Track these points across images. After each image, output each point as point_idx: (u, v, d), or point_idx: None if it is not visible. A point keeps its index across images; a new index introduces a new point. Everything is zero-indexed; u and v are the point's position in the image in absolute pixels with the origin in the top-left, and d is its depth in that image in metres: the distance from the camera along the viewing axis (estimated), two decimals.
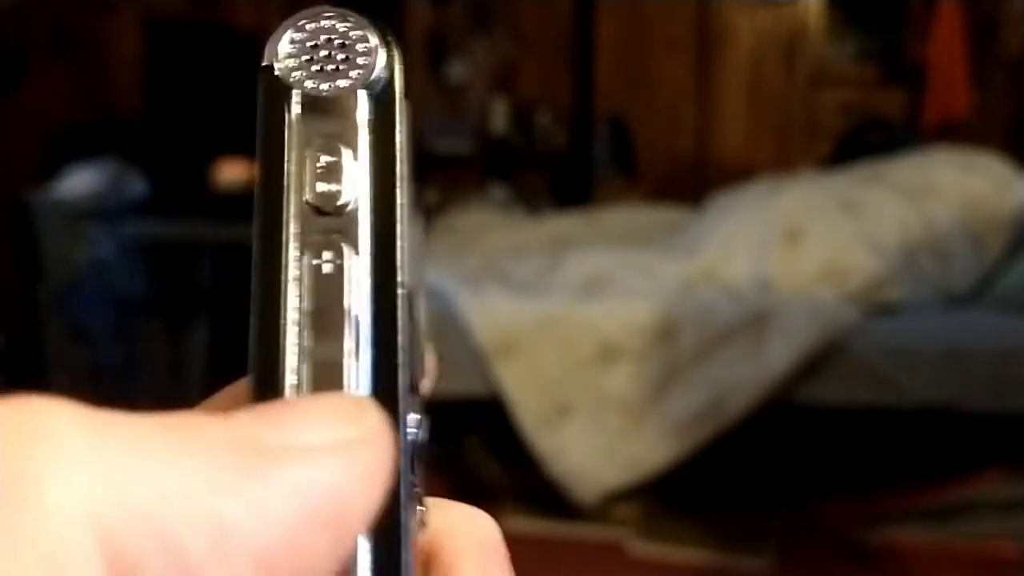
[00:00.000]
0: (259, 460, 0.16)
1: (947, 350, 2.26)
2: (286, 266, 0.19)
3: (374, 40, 0.21)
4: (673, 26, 4.05)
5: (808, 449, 2.42)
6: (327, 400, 0.18)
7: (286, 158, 0.20)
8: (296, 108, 0.20)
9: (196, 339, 3.03)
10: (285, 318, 0.19)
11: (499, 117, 4.13)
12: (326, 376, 0.19)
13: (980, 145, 3.16)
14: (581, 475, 2.29)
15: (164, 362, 3.10)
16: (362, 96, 0.20)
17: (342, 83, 0.20)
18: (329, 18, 0.21)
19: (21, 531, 0.14)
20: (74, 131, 3.66)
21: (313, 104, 0.20)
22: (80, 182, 3.23)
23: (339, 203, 0.20)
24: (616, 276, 2.60)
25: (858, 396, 2.27)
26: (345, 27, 0.21)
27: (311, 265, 0.19)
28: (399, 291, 0.20)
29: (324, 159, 0.20)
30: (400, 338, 0.19)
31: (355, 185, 0.20)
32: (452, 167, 3.97)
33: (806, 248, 2.59)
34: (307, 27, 0.21)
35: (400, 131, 0.20)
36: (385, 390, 0.19)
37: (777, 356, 2.25)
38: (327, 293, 0.19)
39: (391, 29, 0.21)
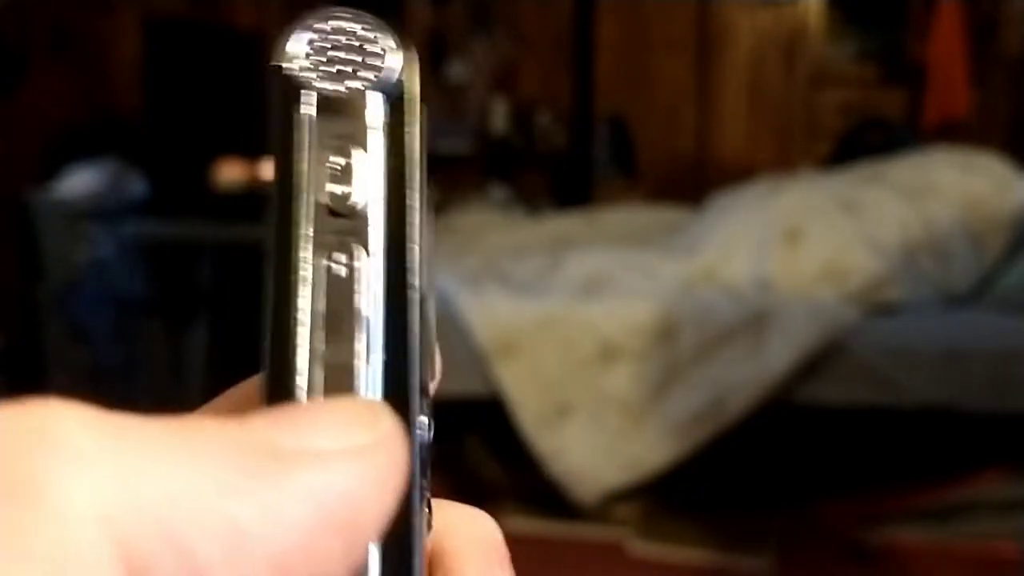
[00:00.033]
0: (273, 464, 0.16)
1: (947, 350, 2.26)
2: (299, 267, 0.19)
3: (388, 41, 0.20)
4: (673, 26, 4.05)
5: (808, 449, 2.42)
6: (341, 404, 0.18)
7: (299, 159, 0.20)
8: (309, 109, 0.20)
9: (196, 339, 3.03)
10: (297, 320, 0.19)
11: (499, 117, 4.13)
12: (338, 379, 0.19)
13: (980, 145, 3.16)
14: (581, 475, 2.29)
15: (164, 362, 3.10)
16: (376, 98, 0.20)
17: (356, 84, 0.20)
18: (344, 19, 0.21)
19: (33, 533, 0.14)
20: (74, 131, 3.66)
21: (327, 105, 0.20)
22: (80, 182, 3.23)
23: (352, 204, 0.20)
24: (616, 276, 2.60)
25: (858, 396, 2.27)
26: (359, 28, 0.21)
27: (323, 267, 0.19)
28: (411, 294, 0.20)
29: (337, 160, 0.20)
30: (412, 341, 0.19)
31: (368, 187, 0.20)
32: (452, 167, 3.97)
33: (806, 248, 2.59)
34: (321, 27, 0.21)
35: (414, 133, 0.20)
36: (397, 393, 0.19)
37: (777, 356, 2.25)
38: (340, 295, 0.19)
39: (404, 32, 0.21)
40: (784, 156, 3.96)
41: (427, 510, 0.20)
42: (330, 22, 0.21)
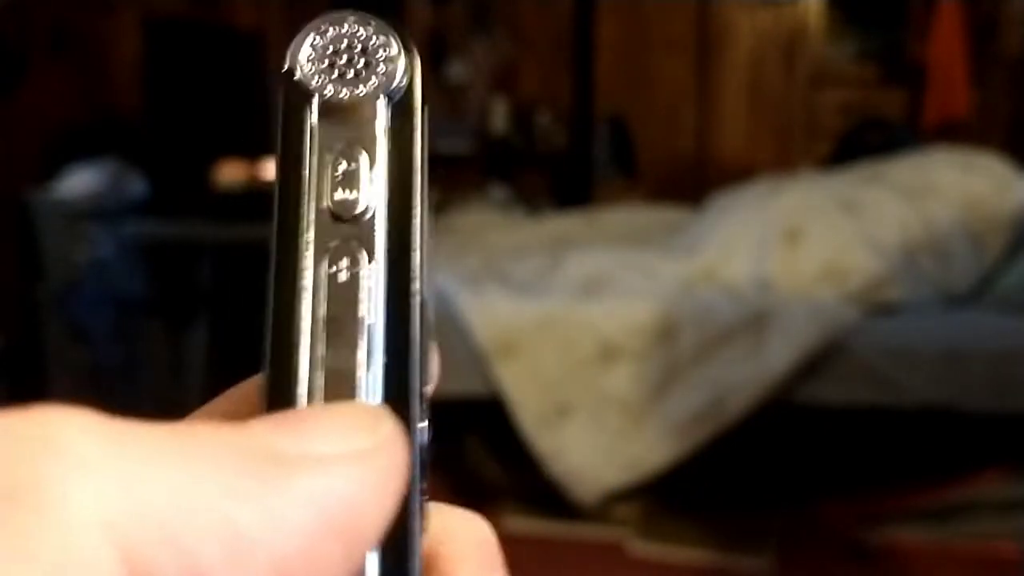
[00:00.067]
0: (275, 469, 0.16)
1: (947, 350, 2.26)
2: (302, 273, 0.19)
3: (395, 46, 0.20)
4: (673, 26, 4.05)
5: (808, 449, 2.42)
6: (342, 409, 0.18)
7: (304, 164, 0.20)
8: (316, 114, 0.20)
9: (196, 339, 3.03)
10: (299, 325, 0.19)
11: (499, 117, 4.13)
12: (339, 384, 0.19)
13: (980, 145, 3.16)
14: (581, 475, 2.29)
15: (164, 362, 3.10)
16: (381, 103, 0.20)
17: (362, 90, 0.20)
18: (350, 23, 0.21)
19: (37, 538, 0.14)
20: (74, 131, 3.66)
21: (332, 110, 0.20)
22: (80, 182, 3.23)
23: (356, 210, 0.20)
24: (616, 276, 2.60)
25: (858, 396, 2.27)
26: (366, 33, 0.21)
27: (327, 272, 0.19)
28: (414, 300, 0.20)
29: (342, 166, 0.20)
30: (413, 347, 0.19)
31: (372, 192, 0.20)
32: (452, 167, 3.97)
33: (806, 248, 2.59)
34: (328, 32, 0.21)
35: (418, 139, 0.20)
36: (398, 398, 0.19)
37: (777, 356, 2.25)
38: (342, 300, 0.19)
39: (411, 35, 0.21)
40: (784, 156, 3.96)
41: (424, 514, 0.20)
42: (335, 27, 0.21)
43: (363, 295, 0.19)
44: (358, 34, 0.21)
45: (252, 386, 0.21)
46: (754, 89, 4.04)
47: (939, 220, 2.62)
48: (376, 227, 0.20)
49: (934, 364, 2.24)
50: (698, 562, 2.13)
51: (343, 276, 0.19)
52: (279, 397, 0.19)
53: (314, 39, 0.21)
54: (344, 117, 0.20)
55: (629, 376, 2.34)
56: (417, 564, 0.18)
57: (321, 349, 0.19)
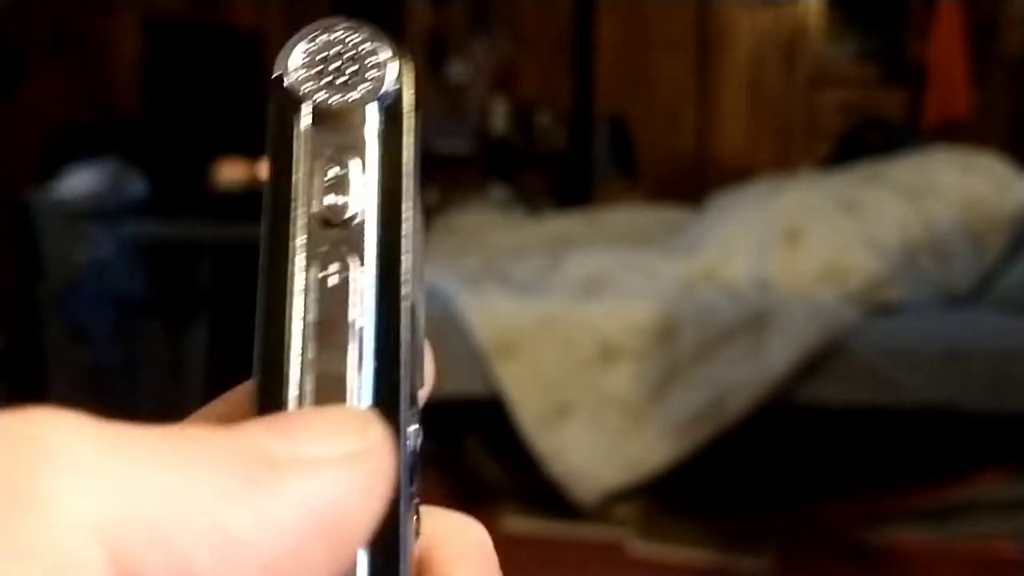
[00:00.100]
0: (264, 471, 0.16)
1: (947, 350, 2.26)
2: (292, 277, 0.20)
3: (386, 52, 0.21)
4: (673, 26, 4.05)
5: (808, 449, 2.42)
6: (331, 413, 0.18)
7: (295, 170, 0.20)
8: (306, 120, 0.20)
9: (196, 339, 3.03)
10: (290, 329, 0.19)
11: (499, 117, 4.13)
12: (329, 388, 0.19)
13: (980, 145, 3.16)
14: (581, 475, 2.29)
15: (164, 362, 3.10)
16: (372, 109, 0.20)
17: (352, 96, 0.20)
18: (341, 30, 0.21)
19: (29, 540, 0.14)
20: (74, 131, 3.66)
21: (323, 116, 0.20)
22: (80, 182, 3.23)
23: (346, 215, 0.20)
24: (616, 276, 2.60)
25: (858, 396, 2.27)
26: (357, 39, 0.21)
27: (317, 277, 0.20)
28: (404, 304, 0.20)
29: (333, 171, 0.20)
30: (403, 352, 0.20)
31: (363, 197, 0.20)
32: (452, 167, 3.97)
33: (806, 248, 2.59)
34: (319, 38, 0.21)
35: (409, 144, 0.20)
36: (387, 402, 0.19)
37: (777, 356, 2.25)
38: (332, 305, 0.19)
39: (403, 40, 0.21)
40: (784, 156, 3.96)
41: (415, 516, 0.20)
42: (328, 33, 0.21)
43: (353, 299, 0.19)
44: (349, 40, 0.21)
45: (247, 390, 0.21)
46: (754, 89, 4.04)
47: (939, 220, 2.62)
48: (366, 232, 0.20)
49: (934, 364, 2.24)
50: (698, 562, 2.13)
51: (333, 280, 0.20)
52: (270, 401, 0.19)
53: (305, 45, 0.21)
54: (335, 123, 0.20)
55: (629, 376, 2.34)
56: (406, 566, 0.19)
57: (311, 353, 0.19)
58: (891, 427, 2.32)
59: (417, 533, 0.20)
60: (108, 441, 0.15)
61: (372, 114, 0.20)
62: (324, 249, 0.20)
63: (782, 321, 2.31)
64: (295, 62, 0.21)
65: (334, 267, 0.20)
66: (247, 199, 3.03)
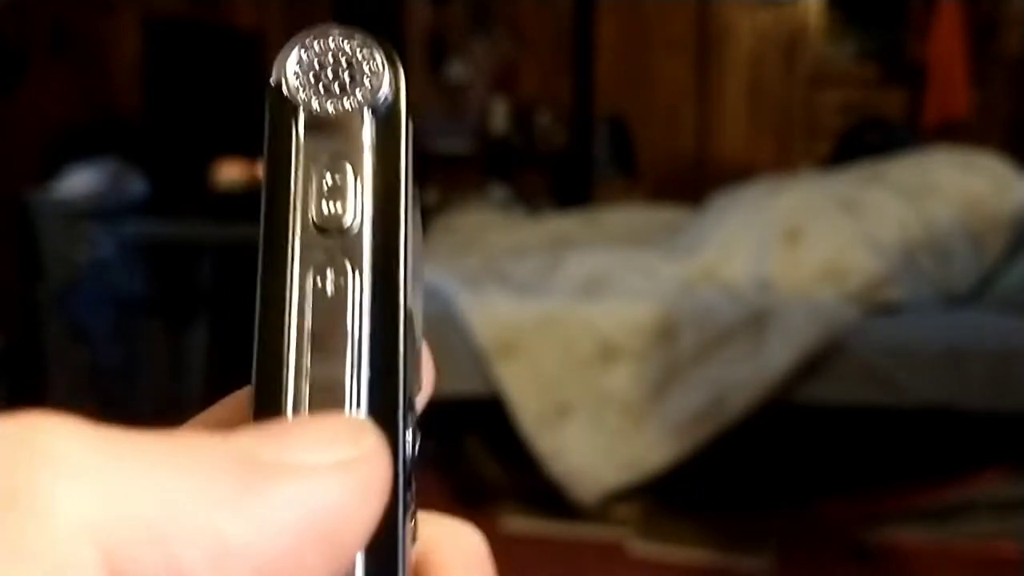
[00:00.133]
0: (259, 476, 0.16)
1: (947, 350, 2.26)
2: (289, 285, 0.20)
3: (380, 59, 0.21)
4: (673, 26, 4.06)
5: (808, 449, 2.42)
6: (327, 420, 0.18)
7: (291, 178, 0.20)
8: (302, 127, 0.20)
9: (196, 339, 3.03)
10: (287, 337, 0.19)
11: (499, 117, 4.13)
12: (325, 395, 0.19)
13: (980, 145, 3.16)
14: (581, 475, 2.29)
15: (164, 362, 3.10)
16: (367, 116, 0.20)
17: (347, 103, 0.20)
18: (336, 37, 0.21)
19: (27, 543, 0.14)
20: (74, 131, 3.66)
21: (318, 124, 0.20)
22: (80, 182, 3.23)
23: (343, 223, 0.20)
24: (616, 276, 2.60)
25: (858, 396, 2.27)
26: (351, 46, 0.21)
27: (314, 285, 0.20)
28: (400, 312, 0.20)
29: (329, 179, 0.20)
30: (399, 359, 0.20)
31: (359, 205, 0.20)
32: (452, 167, 3.97)
33: (806, 248, 2.59)
34: (314, 46, 0.21)
35: (404, 151, 0.20)
36: (383, 410, 0.19)
37: (777, 356, 2.25)
38: (329, 313, 0.19)
39: (396, 47, 0.21)
40: (784, 156, 3.97)
41: (412, 523, 0.20)
42: (321, 41, 0.21)
43: (349, 307, 0.20)
44: (343, 48, 0.21)
45: (247, 394, 0.21)
46: (754, 89, 4.05)
47: (939, 220, 2.62)
48: (362, 240, 0.20)
49: (934, 364, 2.24)
50: (698, 562, 2.14)
51: (329, 289, 0.20)
52: (266, 408, 0.19)
53: (299, 53, 0.21)
54: (330, 131, 0.20)
55: (629, 376, 2.34)
56: (403, 574, 0.19)
57: (307, 361, 0.19)
58: (891, 427, 2.32)
59: (414, 538, 0.20)
60: (105, 446, 0.16)
61: (367, 122, 0.20)
62: (321, 257, 0.20)
63: (782, 321, 2.31)
64: (290, 69, 0.21)
65: (330, 275, 0.20)
66: (247, 199, 3.03)
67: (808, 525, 2.32)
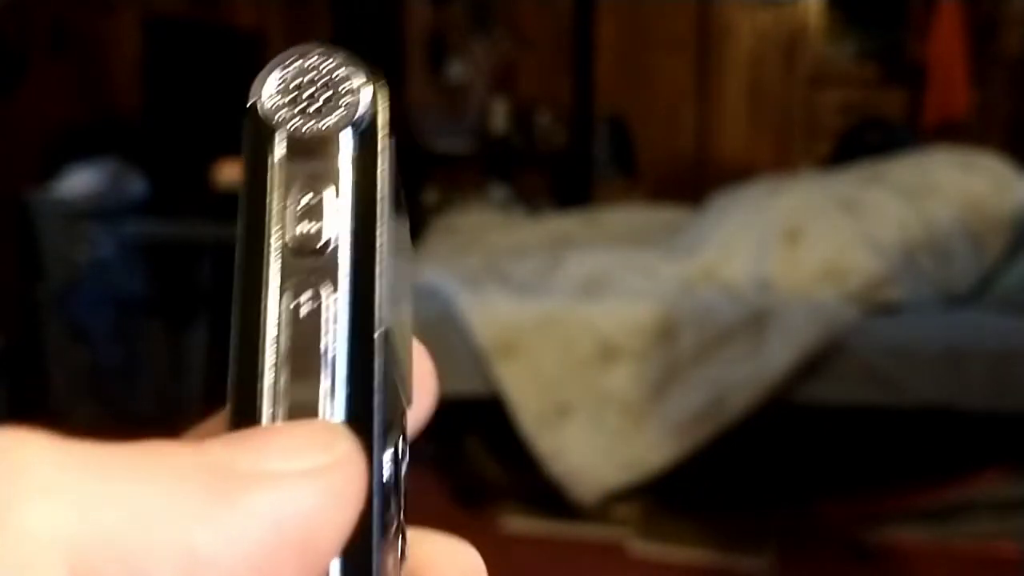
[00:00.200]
0: (229, 486, 0.16)
1: (947, 350, 2.26)
2: (265, 307, 0.20)
3: (359, 78, 0.20)
4: (673, 26, 4.05)
5: (808, 449, 2.42)
6: (299, 427, 0.18)
7: (268, 198, 0.20)
8: (280, 148, 0.20)
9: (196, 339, 3.03)
10: (263, 359, 0.19)
11: (499, 117, 4.13)
12: (302, 416, 0.19)
13: (980, 145, 3.16)
14: (581, 475, 2.29)
15: (164, 362, 3.10)
16: (346, 135, 0.20)
17: (326, 123, 0.20)
18: (316, 56, 0.21)
19: None
20: (74, 131, 3.66)
21: (297, 145, 0.20)
22: (80, 182, 3.23)
23: (320, 243, 0.20)
24: (616, 276, 2.60)
25: (858, 396, 2.27)
26: (331, 65, 0.21)
27: (290, 306, 0.19)
28: (376, 331, 0.20)
29: (306, 199, 0.20)
30: (376, 378, 0.19)
31: (336, 225, 0.20)
32: (452, 167, 3.97)
33: (806, 248, 2.59)
34: (293, 65, 0.21)
35: (383, 168, 0.20)
36: (359, 423, 0.19)
37: (777, 356, 2.25)
38: (305, 334, 0.19)
39: (378, 67, 0.21)
40: (784, 156, 3.97)
41: (401, 539, 0.20)
42: (302, 59, 0.21)
43: (325, 327, 0.19)
44: (323, 66, 0.21)
45: (224, 418, 0.21)
46: (754, 89, 4.04)
47: (939, 220, 2.62)
48: (339, 259, 0.20)
49: (934, 364, 2.24)
50: (698, 562, 2.13)
51: (305, 309, 0.19)
52: (241, 428, 0.19)
53: (279, 73, 0.21)
54: (309, 150, 0.20)
55: (629, 376, 2.34)
56: None
57: (284, 382, 0.19)
58: (891, 427, 2.32)
59: (403, 556, 0.20)
60: (74, 460, 0.15)
61: (346, 140, 0.20)
62: (298, 278, 0.20)
63: (782, 321, 2.31)
64: (269, 89, 0.20)
65: (307, 295, 0.19)
66: None
67: (808, 525, 2.32)
